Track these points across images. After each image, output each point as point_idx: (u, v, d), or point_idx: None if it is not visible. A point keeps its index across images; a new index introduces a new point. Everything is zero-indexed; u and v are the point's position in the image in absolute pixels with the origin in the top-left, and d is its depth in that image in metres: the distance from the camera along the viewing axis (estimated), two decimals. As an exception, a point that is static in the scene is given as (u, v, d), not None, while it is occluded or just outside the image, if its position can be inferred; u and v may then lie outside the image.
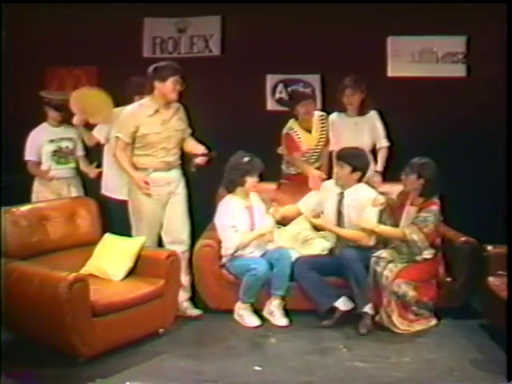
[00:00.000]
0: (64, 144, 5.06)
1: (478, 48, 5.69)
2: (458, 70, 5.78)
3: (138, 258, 4.21)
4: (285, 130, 5.14)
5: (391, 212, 4.49)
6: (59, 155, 5.04)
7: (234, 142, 5.04)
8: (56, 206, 4.41)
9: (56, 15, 5.98)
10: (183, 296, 4.49)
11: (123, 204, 4.61)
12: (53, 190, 4.99)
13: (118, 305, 3.84)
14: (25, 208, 4.16)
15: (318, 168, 5.11)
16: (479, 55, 5.67)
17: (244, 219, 4.52)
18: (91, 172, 5.04)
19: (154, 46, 6.16)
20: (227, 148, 4.61)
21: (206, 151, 4.41)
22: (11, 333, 3.96)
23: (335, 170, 4.56)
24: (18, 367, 3.60)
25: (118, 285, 4.09)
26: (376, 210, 4.42)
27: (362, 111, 4.99)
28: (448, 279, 4.47)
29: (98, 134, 4.88)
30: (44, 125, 5.08)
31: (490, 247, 4.26)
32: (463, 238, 4.52)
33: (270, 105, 6.09)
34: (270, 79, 6.06)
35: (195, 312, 4.51)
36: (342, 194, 4.52)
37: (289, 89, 5.91)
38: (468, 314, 4.45)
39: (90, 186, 5.15)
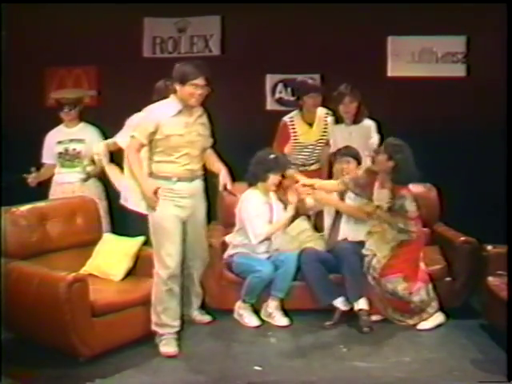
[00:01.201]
0: (72, 146, 4.87)
1: (477, 48, 5.69)
2: (458, 70, 5.78)
3: (138, 258, 4.22)
4: (283, 118, 5.07)
5: (362, 187, 4.46)
6: (64, 157, 4.89)
7: (234, 142, 5.04)
8: (56, 205, 4.39)
9: (56, 15, 5.98)
10: (194, 304, 4.34)
11: (141, 216, 4.35)
12: (56, 195, 4.87)
13: (118, 305, 3.84)
14: (25, 208, 4.14)
15: (317, 169, 5.10)
16: (479, 55, 5.67)
17: (265, 212, 4.50)
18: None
19: (154, 45, 6.15)
20: (226, 148, 4.60)
21: (229, 185, 4.09)
22: (11, 333, 3.95)
23: (341, 167, 4.56)
24: (17, 367, 3.60)
25: (117, 285, 4.09)
26: None
27: (356, 119, 4.94)
28: (448, 279, 4.48)
29: (121, 139, 4.43)
30: (60, 126, 4.97)
31: (489, 247, 4.26)
32: (463, 238, 4.53)
33: (270, 105, 6.10)
34: (270, 79, 6.06)
35: (205, 318, 4.38)
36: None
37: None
38: (468, 314, 4.44)
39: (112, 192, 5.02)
